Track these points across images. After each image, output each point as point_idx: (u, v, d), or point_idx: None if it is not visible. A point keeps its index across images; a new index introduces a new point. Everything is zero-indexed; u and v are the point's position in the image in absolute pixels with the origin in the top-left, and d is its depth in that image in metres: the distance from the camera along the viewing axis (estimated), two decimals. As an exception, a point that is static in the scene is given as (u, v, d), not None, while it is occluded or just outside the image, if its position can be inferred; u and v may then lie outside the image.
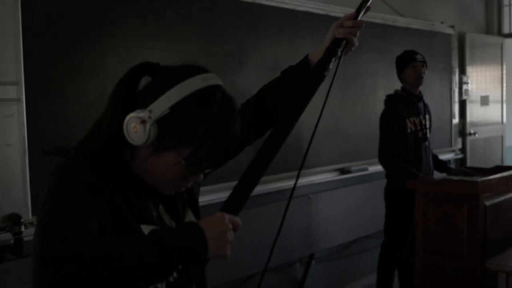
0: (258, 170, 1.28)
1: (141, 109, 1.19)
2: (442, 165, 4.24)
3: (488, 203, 3.32)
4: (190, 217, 1.35)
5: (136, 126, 1.18)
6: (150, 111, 1.18)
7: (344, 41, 1.51)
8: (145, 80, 1.27)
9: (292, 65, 1.57)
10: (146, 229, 1.20)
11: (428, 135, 4.01)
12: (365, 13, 1.56)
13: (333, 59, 1.50)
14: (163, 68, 1.27)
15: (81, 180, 1.16)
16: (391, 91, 4.05)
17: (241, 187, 1.25)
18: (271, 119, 1.54)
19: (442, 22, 5.63)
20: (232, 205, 1.22)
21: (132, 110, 1.20)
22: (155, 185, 1.27)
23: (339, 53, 1.50)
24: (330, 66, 1.50)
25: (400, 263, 4.03)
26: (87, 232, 1.08)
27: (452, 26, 5.72)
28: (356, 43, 1.53)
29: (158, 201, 1.30)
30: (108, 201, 1.16)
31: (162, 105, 1.19)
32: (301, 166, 1.39)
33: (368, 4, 1.55)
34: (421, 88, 4.03)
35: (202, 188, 1.48)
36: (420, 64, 3.91)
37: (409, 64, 3.91)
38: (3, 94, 2.51)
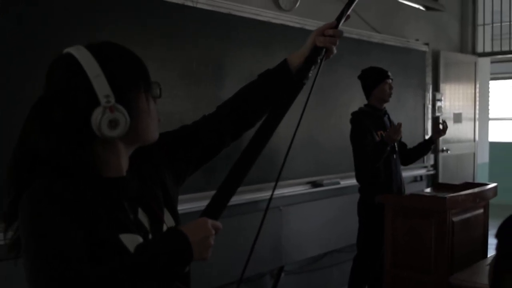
0: (237, 177, 1.33)
1: (95, 108, 1.17)
2: (423, 144, 4.28)
3: (455, 219, 3.37)
4: (168, 217, 1.34)
5: (111, 121, 1.17)
6: (106, 96, 1.18)
7: (324, 50, 1.52)
8: None
9: (269, 68, 1.57)
10: (125, 238, 1.19)
11: (396, 148, 4.05)
12: (345, 21, 1.58)
13: (313, 67, 1.52)
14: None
15: (55, 204, 1.13)
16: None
17: (221, 192, 1.31)
18: (248, 122, 1.54)
19: (417, 39, 5.71)
20: (213, 210, 1.28)
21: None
22: (149, 139, 1.29)
23: (319, 61, 1.52)
24: (310, 74, 1.52)
25: (372, 277, 4.04)
26: (82, 267, 1.08)
27: (426, 44, 5.80)
28: (335, 51, 1.55)
29: (136, 203, 1.28)
30: (85, 217, 1.15)
31: (101, 84, 1.18)
32: (277, 177, 1.42)
33: (348, 13, 1.57)
34: (395, 104, 4.08)
35: (181, 197, 1.48)
36: (391, 81, 3.99)
37: (382, 81, 3.96)
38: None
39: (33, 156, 1.18)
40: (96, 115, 1.17)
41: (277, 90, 1.50)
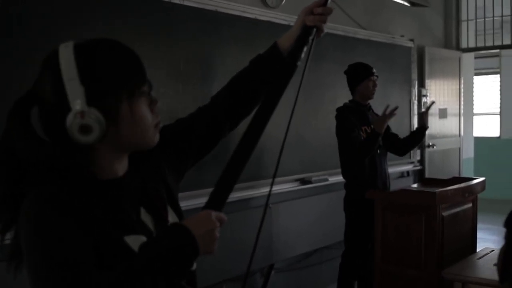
0: (237, 166, 1.29)
1: (67, 114, 1.13)
2: (416, 131, 4.28)
3: (445, 213, 3.37)
4: (172, 215, 1.32)
5: (82, 126, 1.13)
6: (77, 102, 1.12)
7: (315, 29, 1.49)
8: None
9: (260, 53, 1.54)
10: (130, 240, 1.16)
11: (381, 143, 4.06)
12: None
13: (304, 47, 1.48)
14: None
15: (59, 211, 1.09)
16: (350, 102, 4.10)
17: (222, 184, 1.26)
18: (244, 108, 1.51)
19: (402, 36, 5.73)
20: (216, 202, 1.24)
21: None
22: (144, 144, 1.24)
23: (310, 41, 1.48)
24: (302, 56, 1.48)
25: (361, 273, 4.05)
26: (90, 274, 1.05)
27: (412, 40, 5.82)
28: (325, 30, 1.51)
29: (138, 204, 1.25)
30: (89, 222, 1.12)
31: (73, 88, 1.13)
32: (274, 174, 1.37)
33: None
34: (381, 100, 4.09)
35: (181, 194, 1.45)
36: (375, 78, 3.99)
37: (367, 78, 3.97)
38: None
39: (18, 161, 1.14)
40: (68, 120, 1.13)
41: (270, 74, 1.47)
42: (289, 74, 1.44)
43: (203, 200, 1.29)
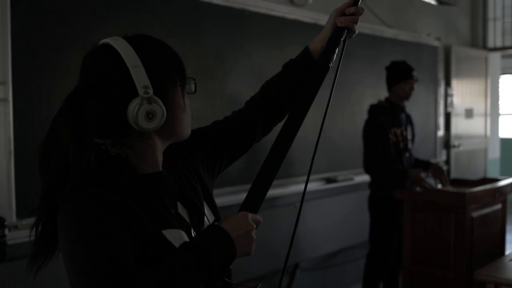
0: (272, 167, 1.31)
1: (132, 100, 1.15)
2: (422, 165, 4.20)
3: (474, 214, 3.33)
4: (207, 210, 1.33)
5: (149, 112, 1.15)
6: (144, 87, 1.15)
7: (346, 30, 1.48)
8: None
9: (292, 58, 1.55)
10: (168, 234, 1.17)
11: (409, 146, 4.01)
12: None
13: (336, 49, 1.48)
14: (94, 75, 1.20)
15: (98, 207, 1.09)
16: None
17: (258, 185, 1.28)
18: (277, 113, 1.53)
19: (428, 34, 5.67)
20: (252, 203, 1.25)
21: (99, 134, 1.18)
22: (183, 135, 1.26)
23: (342, 43, 1.48)
24: (334, 57, 1.48)
25: (386, 274, 4.02)
26: (132, 271, 1.06)
27: (438, 39, 5.77)
28: (357, 31, 1.51)
29: (175, 198, 1.26)
30: (130, 218, 1.12)
31: (139, 75, 1.15)
32: (309, 173, 1.40)
33: None
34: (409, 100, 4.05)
35: (219, 191, 1.47)
36: (414, 81, 3.92)
37: (406, 80, 3.90)
38: (-11, 94, 2.47)
39: (67, 164, 1.12)
40: (134, 106, 1.14)
41: (303, 77, 1.48)
42: (321, 76, 1.45)
43: (239, 197, 1.29)
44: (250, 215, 1.20)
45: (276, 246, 3.85)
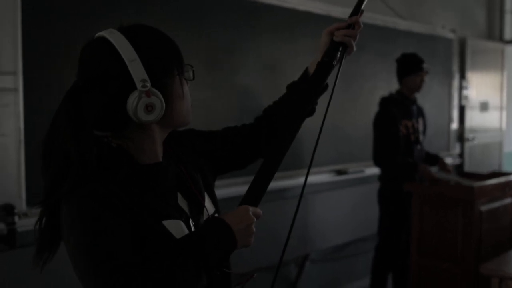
0: (273, 162, 1.35)
1: (131, 93, 1.17)
2: (431, 159, 4.21)
3: (483, 208, 3.32)
4: (207, 201, 1.36)
5: (148, 105, 1.17)
6: (142, 80, 1.16)
7: (342, 46, 1.48)
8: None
9: (294, 80, 1.58)
10: (168, 224, 1.20)
11: (420, 139, 4.00)
12: (359, 16, 1.53)
13: (334, 63, 1.48)
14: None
15: (100, 204, 1.12)
16: (390, 94, 4.05)
17: (259, 178, 1.33)
18: (276, 134, 1.55)
19: (443, 27, 5.62)
20: (253, 197, 1.30)
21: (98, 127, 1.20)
22: (183, 123, 1.29)
23: (339, 60, 1.49)
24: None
25: (394, 266, 4.02)
26: (135, 267, 1.09)
27: (453, 31, 5.71)
28: (355, 48, 1.52)
29: (175, 189, 1.29)
30: (130, 209, 1.15)
31: (137, 69, 1.16)
32: (310, 164, 1.42)
33: (362, 7, 1.54)
34: (420, 92, 4.03)
35: (220, 182, 1.50)
36: (425, 73, 3.91)
37: (416, 72, 3.89)
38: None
39: (67, 160, 1.14)
40: (132, 100, 1.16)
41: (303, 98, 1.50)
42: (325, 73, 1.48)
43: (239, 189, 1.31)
44: (251, 209, 1.24)
45: (285, 237, 3.85)
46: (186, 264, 1.11)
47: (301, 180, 4.02)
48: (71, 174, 1.13)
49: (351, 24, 1.49)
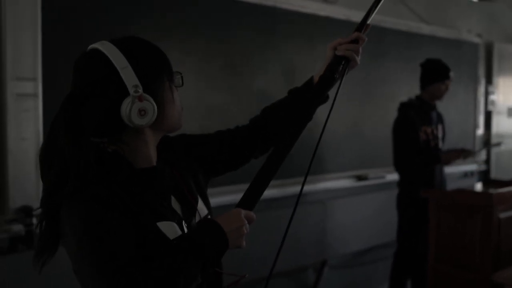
0: (270, 169, 1.38)
1: (124, 99, 1.22)
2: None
3: (502, 215, 3.28)
4: (200, 204, 1.41)
5: (141, 110, 1.22)
6: (134, 86, 1.22)
7: (344, 60, 1.50)
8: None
9: (297, 86, 1.62)
10: (162, 225, 1.24)
11: (440, 145, 3.97)
12: (365, 31, 1.55)
13: (335, 76, 1.51)
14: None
15: (101, 207, 1.16)
16: (411, 99, 4.03)
17: (256, 184, 1.36)
18: (273, 136, 1.60)
19: (469, 31, 5.55)
20: (247, 201, 1.34)
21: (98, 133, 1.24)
22: (174, 126, 1.35)
23: (341, 74, 1.51)
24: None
25: (413, 272, 3.99)
26: (135, 269, 1.12)
27: (479, 35, 5.64)
28: (358, 62, 1.54)
29: (168, 192, 1.34)
30: (129, 212, 1.20)
31: (128, 75, 1.23)
32: (307, 172, 1.42)
33: (368, 22, 1.56)
34: (445, 97, 3.99)
35: (214, 190, 1.54)
36: (450, 81, 3.87)
37: (442, 80, 3.85)
38: (20, 89, 2.59)
39: (66, 166, 1.18)
40: (126, 105, 1.22)
41: (302, 105, 1.53)
42: (326, 86, 1.52)
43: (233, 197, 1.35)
44: (243, 212, 1.28)
45: (304, 242, 3.87)
46: (186, 262, 1.16)
47: (322, 185, 4.04)
48: (71, 179, 1.18)
49: (361, 28, 1.52)
